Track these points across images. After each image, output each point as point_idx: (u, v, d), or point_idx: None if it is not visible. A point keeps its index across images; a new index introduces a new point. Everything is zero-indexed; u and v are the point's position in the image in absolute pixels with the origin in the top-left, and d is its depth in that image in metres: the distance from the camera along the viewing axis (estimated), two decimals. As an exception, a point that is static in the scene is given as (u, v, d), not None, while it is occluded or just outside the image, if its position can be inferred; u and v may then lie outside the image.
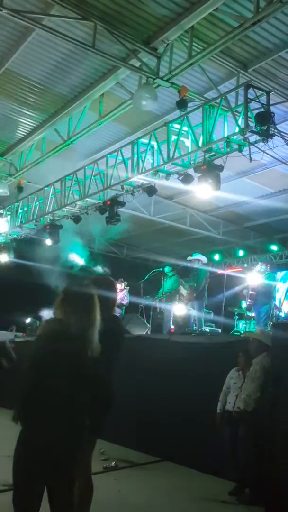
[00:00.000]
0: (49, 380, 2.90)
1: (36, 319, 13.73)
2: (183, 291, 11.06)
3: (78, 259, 14.08)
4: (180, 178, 8.90)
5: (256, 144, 7.45)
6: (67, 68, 8.58)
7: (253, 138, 7.46)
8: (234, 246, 16.12)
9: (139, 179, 9.53)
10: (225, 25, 7.00)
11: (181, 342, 8.34)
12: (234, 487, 5.94)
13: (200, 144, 8.09)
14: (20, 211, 12.95)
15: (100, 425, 3.69)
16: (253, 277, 11.08)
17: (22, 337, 12.97)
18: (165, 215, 14.18)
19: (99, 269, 13.68)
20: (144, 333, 10.53)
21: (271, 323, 9.96)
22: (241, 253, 15.96)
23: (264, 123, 7.15)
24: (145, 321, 11.25)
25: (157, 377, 7.97)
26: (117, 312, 9.23)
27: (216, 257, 16.29)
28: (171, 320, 10.71)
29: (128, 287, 12.54)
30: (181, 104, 7.81)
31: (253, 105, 7.28)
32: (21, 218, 12.96)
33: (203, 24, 7.07)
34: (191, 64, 7.40)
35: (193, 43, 7.21)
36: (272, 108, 7.39)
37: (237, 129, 7.42)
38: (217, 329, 11.34)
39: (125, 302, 12.33)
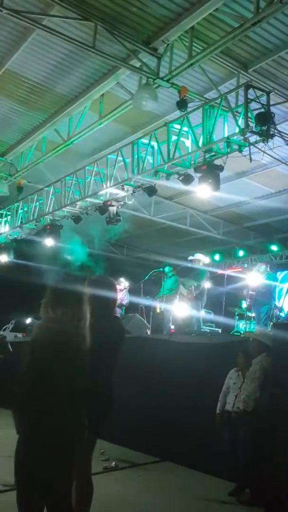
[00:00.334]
0: (50, 384, 2.88)
1: (36, 319, 13.72)
2: (184, 291, 11.06)
3: (77, 259, 14.07)
4: (180, 178, 8.90)
5: (256, 145, 7.45)
6: (67, 68, 8.59)
7: (253, 138, 7.47)
8: (234, 246, 16.13)
9: (139, 179, 9.54)
10: (225, 25, 7.01)
11: (181, 342, 8.34)
12: (234, 487, 5.93)
13: (200, 144, 8.09)
14: (20, 211, 12.96)
15: (100, 425, 3.69)
16: (253, 277, 11.08)
17: (22, 337, 12.98)
18: (165, 215, 14.19)
19: (98, 269, 13.66)
20: (144, 333, 10.53)
21: (271, 323, 9.97)
22: (241, 253, 15.97)
23: (264, 124, 7.16)
24: (145, 321, 11.24)
25: (157, 377, 7.96)
26: (117, 312, 9.22)
27: (216, 257, 16.29)
28: (171, 321, 10.71)
29: (128, 287, 12.53)
30: (181, 104, 7.81)
31: (253, 105, 7.29)
32: (21, 218, 12.97)
33: (203, 25, 7.08)
34: (191, 65, 7.40)
35: (193, 44, 7.21)
36: (272, 109, 7.40)
37: (237, 130, 7.43)
38: (217, 329, 11.33)
39: (125, 302, 12.31)
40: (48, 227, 12.17)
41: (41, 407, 2.87)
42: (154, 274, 11.84)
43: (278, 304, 12.00)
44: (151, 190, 9.73)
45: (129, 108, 8.77)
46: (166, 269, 11.80)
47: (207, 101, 8.12)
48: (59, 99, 9.49)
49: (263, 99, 7.30)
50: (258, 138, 7.37)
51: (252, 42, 7.36)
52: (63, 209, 11.40)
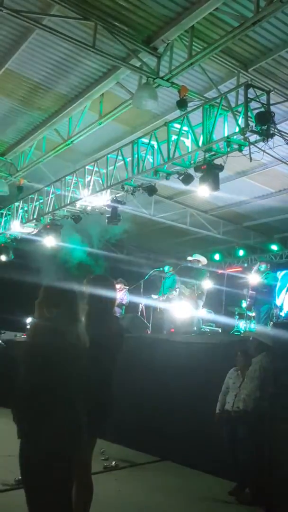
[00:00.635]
0: (49, 385, 2.87)
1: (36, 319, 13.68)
2: (185, 290, 11.05)
3: (77, 259, 14.07)
4: (180, 178, 8.90)
5: (256, 144, 7.44)
6: (67, 68, 8.59)
7: (253, 137, 7.46)
8: (234, 245, 16.13)
9: (139, 178, 9.54)
10: (225, 24, 7.00)
11: (181, 342, 8.34)
12: (234, 487, 5.93)
13: (200, 143, 8.08)
14: (20, 211, 12.96)
15: (100, 425, 3.68)
16: (253, 277, 11.08)
17: (22, 337, 12.97)
18: (165, 215, 14.19)
19: (98, 268, 13.67)
20: (144, 333, 10.52)
21: (271, 322, 9.96)
22: (241, 252, 15.98)
23: (264, 123, 7.15)
24: (145, 321, 11.24)
25: (157, 377, 7.96)
26: (117, 312, 9.24)
27: (216, 256, 16.29)
28: (171, 320, 10.71)
29: (127, 287, 12.53)
30: (181, 103, 7.80)
31: (253, 104, 7.28)
32: (21, 218, 12.97)
33: (203, 24, 7.08)
34: (191, 64, 7.40)
35: (193, 43, 7.21)
36: (272, 108, 7.39)
37: (237, 129, 7.42)
38: (217, 329, 11.33)
39: (125, 302, 12.30)
40: (48, 226, 12.17)
41: (38, 408, 2.86)
42: (154, 274, 11.85)
43: (277, 302, 11.97)
44: (151, 190, 9.73)
45: (129, 107, 8.77)
46: (166, 268, 11.81)
47: (207, 100, 8.11)
48: (59, 98, 9.49)
49: (263, 99, 7.30)
50: (258, 137, 7.35)
51: (252, 41, 7.35)
52: (63, 208, 11.41)
